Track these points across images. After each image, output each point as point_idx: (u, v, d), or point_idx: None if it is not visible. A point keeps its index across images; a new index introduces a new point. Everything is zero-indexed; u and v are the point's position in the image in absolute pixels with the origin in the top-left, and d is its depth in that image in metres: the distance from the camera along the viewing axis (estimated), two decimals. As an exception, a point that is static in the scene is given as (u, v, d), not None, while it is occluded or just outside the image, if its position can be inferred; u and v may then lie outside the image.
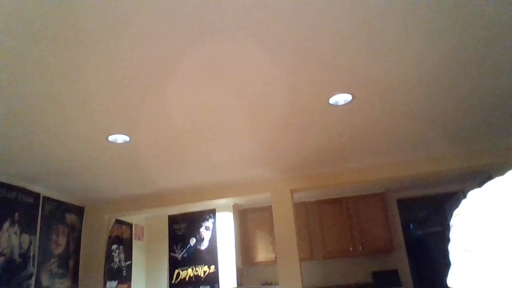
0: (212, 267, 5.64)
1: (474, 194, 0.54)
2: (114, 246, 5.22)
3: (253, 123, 3.17)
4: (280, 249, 4.60)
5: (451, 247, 0.54)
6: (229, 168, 4.29)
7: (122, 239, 5.45)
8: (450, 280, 0.52)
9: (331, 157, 4.21)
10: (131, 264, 5.59)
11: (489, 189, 0.53)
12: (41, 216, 4.28)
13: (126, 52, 2.09)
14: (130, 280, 5.52)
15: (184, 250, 5.86)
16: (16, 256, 3.86)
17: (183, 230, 5.96)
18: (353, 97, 2.83)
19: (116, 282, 5.16)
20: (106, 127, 3.00)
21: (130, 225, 5.74)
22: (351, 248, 5.76)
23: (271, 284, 5.89)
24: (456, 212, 0.55)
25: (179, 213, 5.95)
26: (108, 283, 4.97)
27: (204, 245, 5.79)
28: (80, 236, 4.96)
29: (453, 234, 0.54)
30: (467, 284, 0.49)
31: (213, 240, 5.76)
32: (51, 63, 2.13)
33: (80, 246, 4.92)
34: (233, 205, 5.84)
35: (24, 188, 4.08)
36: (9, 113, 2.64)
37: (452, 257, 0.53)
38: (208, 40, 2.06)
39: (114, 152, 3.49)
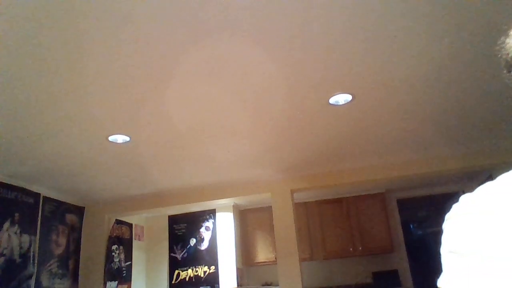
0: (212, 267, 5.64)
1: (464, 198, 0.55)
2: (114, 246, 5.22)
3: (253, 123, 3.17)
4: (280, 249, 4.60)
5: (441, 250, 0.54)
6: (229, 168, 4.29)
7: (122, 239, 5.45)
8: (440, 281, 0.52)
9: (331, 157, 4.20)
10: (131, 264, 5.59)
11: (480, 191, 0.53)
12: (41, 216, 4.28)
13: (126, 52, 2.09)
14: (130, 280, 5.51)
15: (184, 250, 5.86)
16: (16, 256, 3.86)
17: (183, 230, 5.96)
18: (353, 97, 2.83)
19: (116, 282, 5.16)
20: (106, 127, 3.00)
21: (130, 225, 5.74)
22: (351, 248, 5.76)
23: (271, 284, 5.89)
24: (447, 216, 0.56)
25: (179, 213, 5.95)
26: (108, 284, 4.97)
27: (204, 245, 5.79)
28: (80, 236, 4.96)
29: (443, 237, 0.54)
30: (455, 286, 0.49)
31: (213, 240, 5.76)
32: (51, 63, 2.13)
33: (80, 246, 4.93)
34: (233, 205, 5.84)
35: (24, 188, 4.07)
36: (9, 113, 2.64)
37: (442, 259, 0.53)
38: (208, 40, 2.06)
39: (114, 152, 3.49)
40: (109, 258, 5.05)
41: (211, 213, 5.86)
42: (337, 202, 6.00)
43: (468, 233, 0.50)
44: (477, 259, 0.47)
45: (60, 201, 4.62)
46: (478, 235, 0.49)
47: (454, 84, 2.77)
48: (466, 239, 0.50)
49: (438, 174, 4.72)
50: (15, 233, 3.88)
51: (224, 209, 5.83)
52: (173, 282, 5.77)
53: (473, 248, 0.49)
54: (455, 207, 0.55)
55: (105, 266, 4.94)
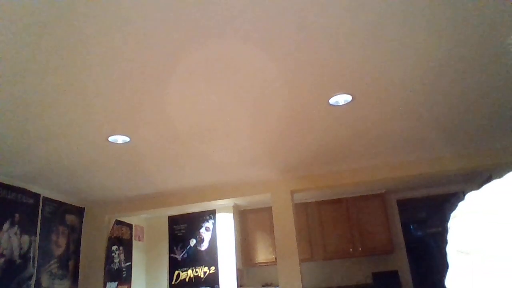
0: (212, 268, 5.64)
1: (470, 196, 0.55)
2: (114, 247, 5.22)
3: (253, 124, 3.17)
4: (280, 250, 4.60)
5: (448, 248, 0.54)
6: (229, 169, 4.29)
7: (122, 240, 5.45)
8: (448, 281, 0.52)
9: (331, 158, 4.20)
10: (131, 265, 5.59)
11: (486, 190, 0.53)
12: (41, 217, 4.27)
13: (126, 52, 2.09)
14: (130, 281, 5.51)
15: (184, 251, 5.85)
16: (16, 257, 3.86)
17: (183, 231, 5.95)
18: (353, 97, 2.83)
19: (116, 283, 5.16)
20: (106, 128, 3.00)
21: (130, 226, 5.74)
22: (351, 249, 5.76)
23: (271, 285, 5.89)
24: (453, 214, 0.56)
25: (179, 213, 5.94)
26: (108, 284, 4.97)
27: (204, 246, 5.78)
28: (80, 237, 4.95)
29: (450, 236, 0.55)
30: (463, 285, 0.49)
31: (213, 241, 5.75)
32: (51, 63, 2.13)
33: (80, 247, 4.92)
34: (233, 206, 5.84)
35: (24, 189, 4.07)
36: (9, 113, 2.64)
37: (449, 258, 0.54)
38: (208, 41, 2.06)
39: (114, 152, 3.49)
40: (109, 258, 5.05)
41: (211, 213, 5.86)
42: (337, 202, 6.00)
43: (472, 232, 0.50)
44: (479, 258, 0.48)
45: (60, 201, 4.62)
46: (481, 234, 0.49)
47: (454, 84, 2.77)
48: (469, 238, 0.50)
49: (438, 175, 4.72)
50: (15, 233, 3.88)
51: (224, 209, 5.83)
52: (173, 282, 5.77)
53: (476, 247, 0.49)
54: (461, 205, 0.55)
55: (105, 266, 4.94)
